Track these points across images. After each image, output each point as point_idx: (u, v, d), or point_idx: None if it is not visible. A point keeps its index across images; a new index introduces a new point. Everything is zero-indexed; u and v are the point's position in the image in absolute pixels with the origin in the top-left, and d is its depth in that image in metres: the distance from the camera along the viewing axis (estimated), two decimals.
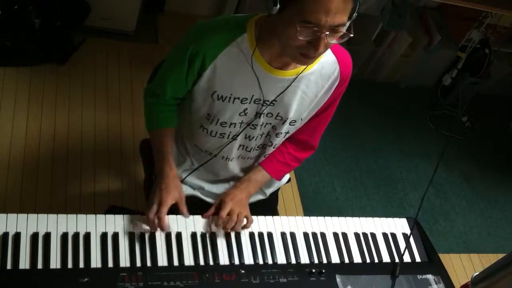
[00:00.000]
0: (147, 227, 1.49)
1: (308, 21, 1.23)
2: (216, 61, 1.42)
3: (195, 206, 1.76)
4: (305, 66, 1.44)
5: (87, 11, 2.91)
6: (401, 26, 3.09)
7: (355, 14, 1.28)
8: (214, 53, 1.42)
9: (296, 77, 1.47)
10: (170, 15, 3.37)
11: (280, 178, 1.76)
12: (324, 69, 1.50)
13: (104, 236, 1.44)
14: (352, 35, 1.30)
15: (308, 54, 1.31)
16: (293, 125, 1.60)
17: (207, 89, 1.49)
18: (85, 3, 2.89)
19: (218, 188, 1.78)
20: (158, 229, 1.49)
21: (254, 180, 1.70)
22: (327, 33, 1.25)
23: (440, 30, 3.43)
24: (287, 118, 1.56)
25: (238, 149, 1.67)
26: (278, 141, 1.67)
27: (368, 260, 1.65)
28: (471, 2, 2.84)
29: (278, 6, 1.26)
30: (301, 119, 1.60)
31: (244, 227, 1.58)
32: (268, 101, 1.51)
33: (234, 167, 1.73)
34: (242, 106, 1.51)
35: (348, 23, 1.28)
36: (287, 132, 1.64)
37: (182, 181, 1.75)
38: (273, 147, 1.69)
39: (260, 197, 1.84)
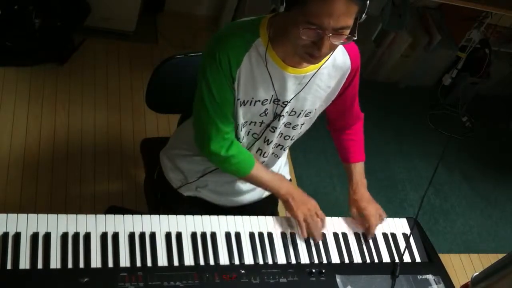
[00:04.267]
0: (145, 228, 1.49)
1: (312, 23, 1.25)
2: (240, 68, 1.43)
3: (197, 206, 1.76)
4: (315, 64, 1.45)
5: (87, 11, 2.91)
6: (401, 26, 3.09)
7: (364, 16, 1.29)
8: (238, 60, 1.42)
9: (314, 74, 1.48)
10: (170, 15, 3.37)
11: (364, 157, 1.86)
12: (336, 61, 1.52)
13: (104, 236, 1.44)
14: (355, 38, 1.31)
15: (312, 53, 1.32)
16: (308, 116, 1.62)
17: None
18: (85, 3, 2.89)
19: (221, 188, 1.78)
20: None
21: (359, 174, 1.82)
22: (330, 35, 1.26)
23: (440, 30, 3.43)
24: (302, 111, 1.58)
25: (256, 153, 1.68)
26: (295, 132, 1.67)
27: (368, 260, 1.65)
28: (471, 2, 2.84)
29: (284, 4, 1.27)
30: (315, 109, 1.61)
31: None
32: (287, 100, 1.52)
33: None
34: (263, 108, 1.53)
35: (354, 27, 1.29)
36: (303, 124, 1.65)
37: (189, 182, 1.75)
38: (291, 140, 1.70)
39: (256, 197, 1.85)
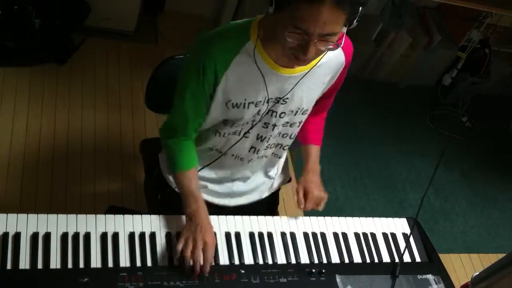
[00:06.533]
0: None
1: (298, 27, 1.25)
2: (227, 71, 1.43)
3: None
4: (303, 66, 1.45)
5: (87, 11, 2.91)
6: (401, 26, 3.09)
7: (355, 23, 1.29)
8: (225, 63, 1.42)
9: (306, 73, 1.47)
10: (170, 15, 3.37)
11: (321, 143, 1.82)
12: (331, 61, 1.52)
13: (104, 236, 1.44)
14: (341, 46, 1.31)
15: (298, 57, 1.32)
16: (306, 113, 1.62)
17: (222, 100, 1.49)
18: (85, 3, 2.89)
19: (221, 188, 1.78)
20: (189, 271, 1.45)
21: (315, 157, 1.77)
22: (316, 40, 1.26)
23: (440, 30, 3.44)
24: (299, 109, 1.58)
25: (249, 152, 1.67)
26: (294, 130, 1.67)
27: (368, 260, 1.65)
28: (471, 2, 2.84)
29: (274, 6, 1.27)
30: (312, 105, 1.62)
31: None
32: (280, 98, 1.51)
33: (244, 167, 1.74)
34: (256, 109, 1.53)
35: (340, 31, 1.29)
36: (301, 121, 1.65)
37: None
38: (290, 138, 1.69)
39: (256, 197, 1.84)
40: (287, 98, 1.52)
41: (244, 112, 1.52)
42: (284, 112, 1.56)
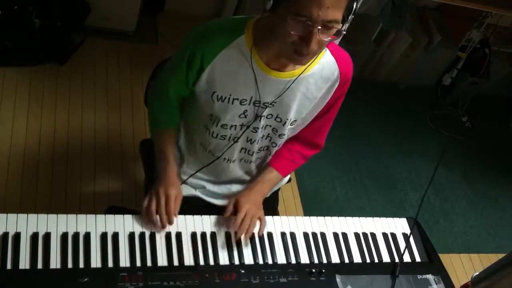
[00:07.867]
0: (146, 227, 1.49)
1: (301, 14, 1.23)
2: (214, 61, 1.43)
3: (196, 206, 1.76)
4: (302, 66, 1.44)
5: (87, 11, 2.91)
6: (401, 26, 3.09)
7: (351, 16, 1.28)
8: (213, 54, 1.42)
9: (296, 79, 1.46)
10: (170, 15, 3.37)
11: (286, 175, 1.78)
12: (324, 70, 1.49)
13: (104, 236, 1.44)
14: (344, 32, 1.28)
15: (301, 51, 1.29)
16: (293, 125, 1.61)
17: (207, 89, 1.49)
18: (85, 3, 2.89)
19: (220, 189, 1.78)
20: (158, 225, 1.51)
21: (267, 180, 1.71)
22: (319, 28, 1.24)
23: (440, 30, 3.44)
24: (287, 119, 1.56)
25: (240, 152, 1.67)
26: (282, 141, 1.67)
27: (368, 260, 1.65)
28: (471, 2, 2.84)
29: (272, 1, 1.26)
30: (301, 119, 1.60)
31: (259, 230, 1.59)
32: (267, 102, 1.51)
33: (236, 169, 1.74)
34: (241, 108, 1.52)
35: (342, 23, 1.27)
36: (288, 134, 1.64)
37: (184, 182, 1.75)
38: (278, 147, 1.70)
39: None
40: (275, 102, 1.51)
41: (229, 108, 1.51)
42: (271, 114, 1.55)
